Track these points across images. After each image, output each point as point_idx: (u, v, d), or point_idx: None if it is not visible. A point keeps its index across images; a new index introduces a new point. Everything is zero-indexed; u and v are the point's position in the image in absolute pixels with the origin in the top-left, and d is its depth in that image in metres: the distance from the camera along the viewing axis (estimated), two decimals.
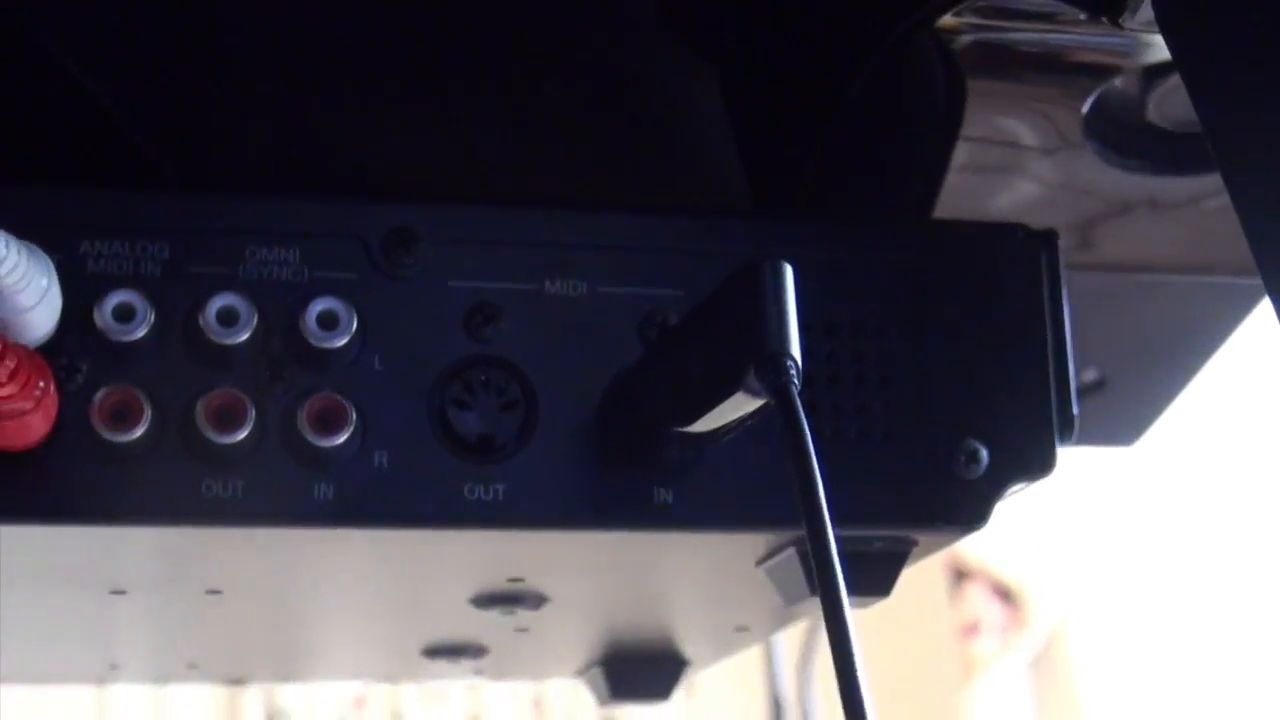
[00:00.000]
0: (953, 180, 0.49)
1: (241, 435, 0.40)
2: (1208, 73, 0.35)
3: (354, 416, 0.41)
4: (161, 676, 0.64)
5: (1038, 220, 0.47)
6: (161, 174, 0.45)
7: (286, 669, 0.67)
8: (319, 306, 0.41)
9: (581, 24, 0.46)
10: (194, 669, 0.60)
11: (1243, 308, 0.61)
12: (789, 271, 0.38)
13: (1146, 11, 0.39)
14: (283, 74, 0.44)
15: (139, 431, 0.39)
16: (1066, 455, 0.47)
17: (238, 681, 0.67)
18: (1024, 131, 0.50)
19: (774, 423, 0.37)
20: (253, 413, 0.40)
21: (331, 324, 0.41)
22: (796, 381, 0.37)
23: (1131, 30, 0.40)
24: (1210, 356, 0.65)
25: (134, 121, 0.44)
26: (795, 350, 0.37)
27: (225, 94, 0.45)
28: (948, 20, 0.45)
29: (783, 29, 0.48)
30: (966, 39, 0.45)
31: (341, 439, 0.40)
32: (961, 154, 0.49)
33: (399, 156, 0.44)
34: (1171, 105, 0.48)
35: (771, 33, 0.48)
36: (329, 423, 0.41)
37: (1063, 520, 2.12)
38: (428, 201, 0.43)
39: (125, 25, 0.44)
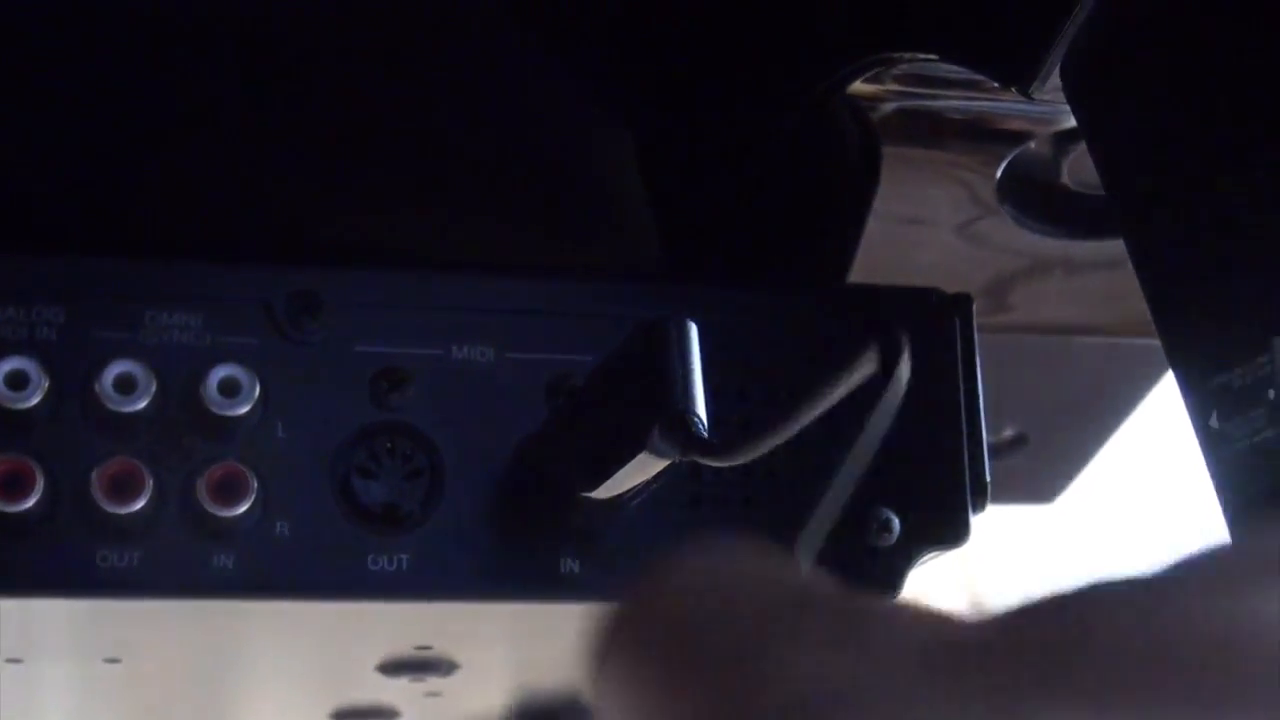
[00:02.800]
0: (867, 244, 0.49)
1: (139, 505, 0.39)
2: (1111, 142, 0.35)
3: (255, 486, 0.40)
4: None
5: (953, 284, 0.47)
6: (67, 238, 0.45)
7: None
8: (220, 373, 0.40)
9: (493, 87, 0.46)
10: None
11: (1158, 368, 0.61)
12: (693, 330, 0.37)
13: (1057, 80, 0.39)
14: (187, 137, 0.44)
15: (30, 502, 0.38)
16: (986, 513, 0.46)
17: None
18: (939, 195, 0.49)
19: (677, 491, 0.37)
20: (151, 482, 0.39)
21: (233, 391, 0.40)
22: (704, 436, 0.36)
23: (1042, 100, 0.40)
24: (1128, 415, 0.65)
25: (38, 185, 0.43)
26: (701, 409, 0.37)
27: (128, 157, 0.45)
28: (862, 86, 0.44)
29: (695, 94, 0.48)
30: (881, 105, 0.45)
31: (242, 509, 0.40)
32: (876, 218, 0.48)
33: (303, 220, 0.44)
34: (1086, 169, 0.48)
35: (683, 98, 0.48)
36: (229, 492, 0.40)
37: (982, 577, 2.13)
38: (332, 265, 0.42)
39: (29, 90, 0.43)
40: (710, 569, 0.19)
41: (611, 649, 0.19)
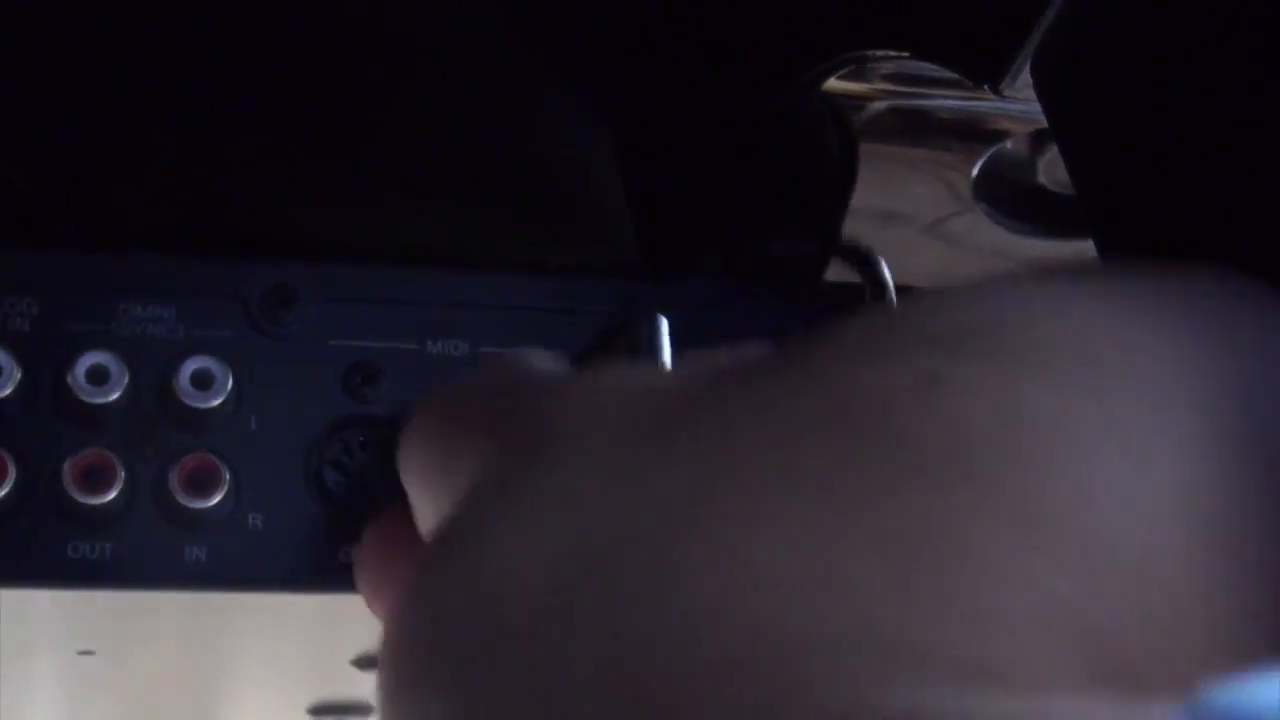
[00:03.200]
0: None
1: (110, 496, 0.39)
2: (1080, 141, 0.35)
3: (228, 478, 0.40)
4: None
5: (929, 282, 0.47)
6: (41, 230, 0.45)
7: None
8: (193, 365, 0.40)
9: (470, 83, 0.46)
10: None
11: None
12: (665, 325, 0.38)
13: (1028, 78, 0.39)
14: (162, 130, 0.44)
15: (2, 493, 0.38)
16: None
17: None
18: (916, 194, 0.50)
19: None
20: (123, 474, 0.39)
21: (206, 383, 0.40)
22: None
23: (1013, 97, 0.40)
24: None
25: (10, 177, 0.43)
26: None
27: (103, 150, 0.45)
28: (839, 84, 0.44)
29: (672, 91, 0.48)
30: (858, 102, 0.45)
31: (214, 501, 0.40)
32: (853, 216, 0.49)
33: (278, 214, 0.44)
34: (1061, 168, 0.48)
35: (661, 94, 0.48)
36: (202, 484, 0.40)
37: None
38: (308, 259, 0.42)
39: (9, 85, 0.43)
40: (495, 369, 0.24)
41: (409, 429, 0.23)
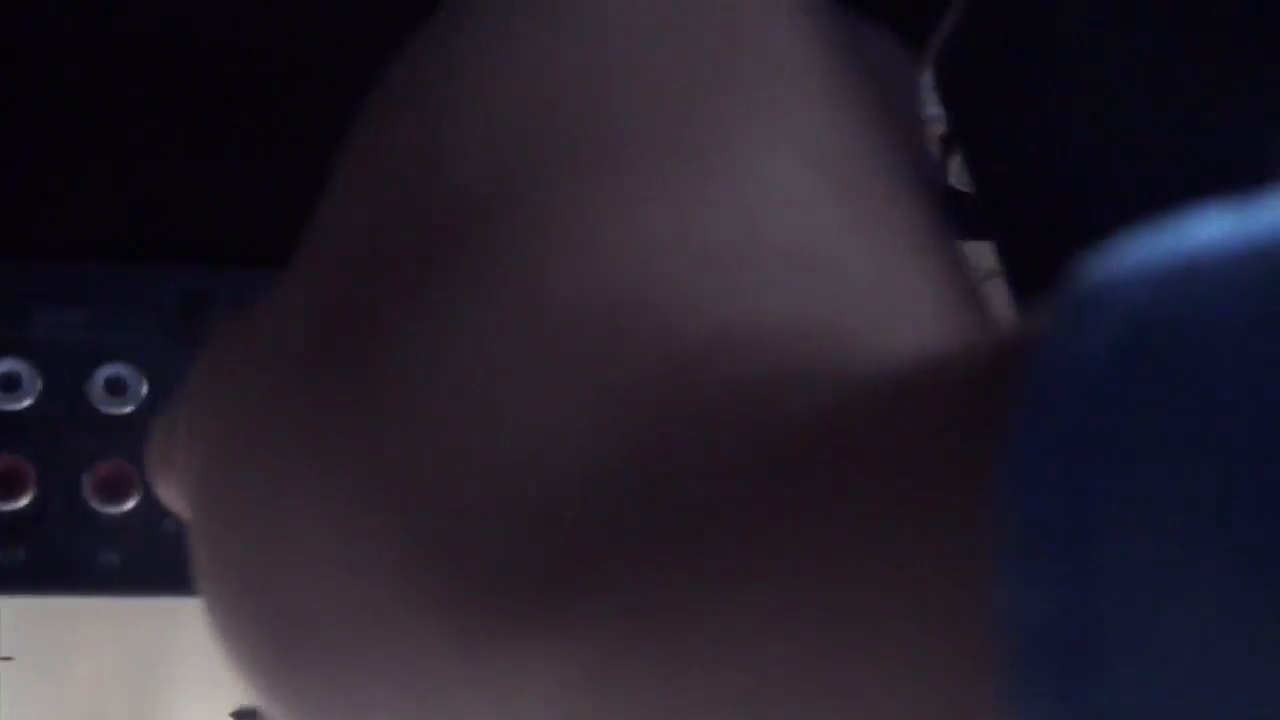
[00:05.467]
0: None
1: (23, 503, 0.39)
2: (977, 144, 0.35)
3: (142, 484, 0.40)
4: None
5: None
6: None
7: None
8: (106, 372, 0.40)
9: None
10: None
11: None
12: None
13: (930, 80, 0.40)
14: (79, 137, 0.44)
15: None
16: None
17: None
18: None
19: None
20: (35, 480, 0.39)
21: (119, 390, 0.40)
22: None
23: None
24: None
25: None
26: None
27: (18, 157, 0.45)
28: None
29: None
30: None
31: (128, 507, 0.40)
32: None
33: (194, 220, 0.44)
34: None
35: None
36: (115, 490, 0.40)
37: None
38: (223, 265, 0.43)
39: None
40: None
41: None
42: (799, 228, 0.19)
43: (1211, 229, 0.12)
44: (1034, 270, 0.36)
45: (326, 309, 0.20)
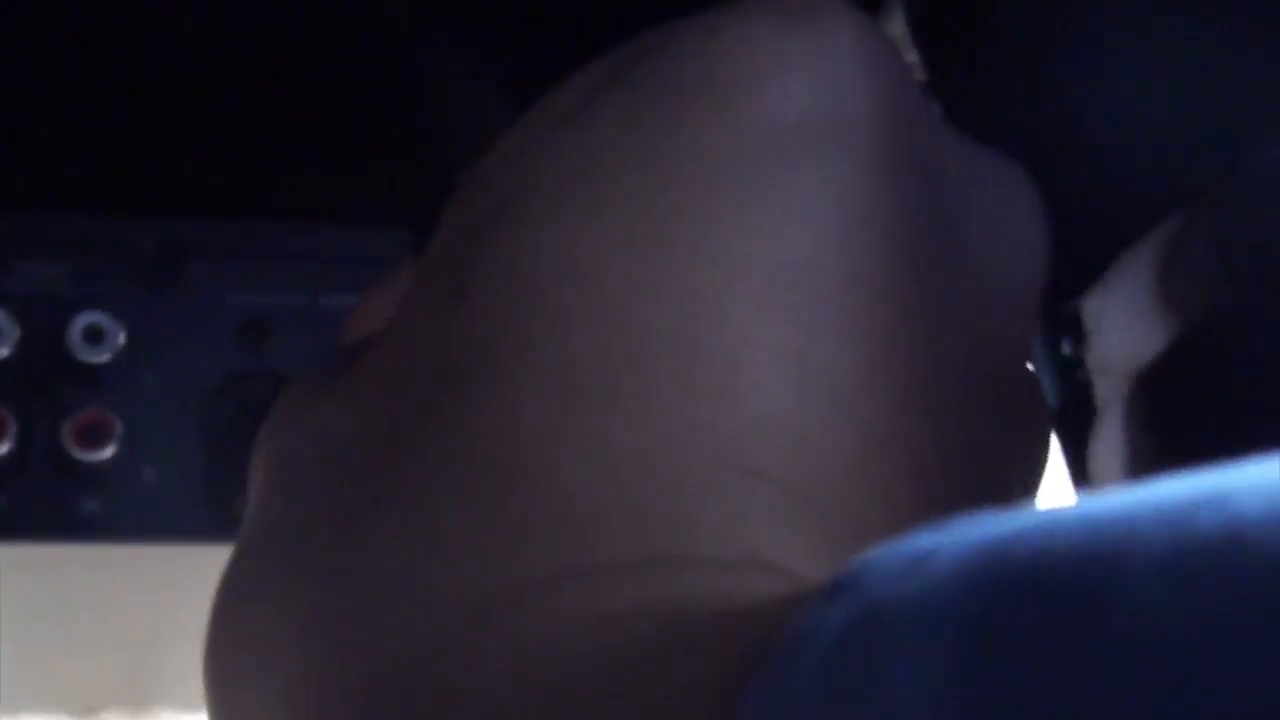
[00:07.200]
0: None
1: (2, 451, 0.39)
2: (949, 87, 0.36)
3: (120, 431, 0.40)
4: None
5: None
6: None
7: (90, 698, 0.66)
8: (85, 320, 0.41)
9: (375, 46, 0.46)
10: None
11: None
12: None
13: (902, 20, 0.40)
14: (55, 87, 0.44)
15: None
16: None
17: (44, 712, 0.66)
18: None
19: None
20: (15, 428, 0.40)
21: (98, 338, 0.41)
22: None
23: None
24: None
25: None
26: None
27: (2, 107, 0.45)
28: None
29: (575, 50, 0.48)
30: None
31: (107, 454, 0.40)
32: None
33: (171, 171, 0.44)
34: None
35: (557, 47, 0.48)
36: (94, 437, 0.40)
37: None
38: (200, 215, 0.43)
39: None
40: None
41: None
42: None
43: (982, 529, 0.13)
44: None
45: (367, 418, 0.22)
